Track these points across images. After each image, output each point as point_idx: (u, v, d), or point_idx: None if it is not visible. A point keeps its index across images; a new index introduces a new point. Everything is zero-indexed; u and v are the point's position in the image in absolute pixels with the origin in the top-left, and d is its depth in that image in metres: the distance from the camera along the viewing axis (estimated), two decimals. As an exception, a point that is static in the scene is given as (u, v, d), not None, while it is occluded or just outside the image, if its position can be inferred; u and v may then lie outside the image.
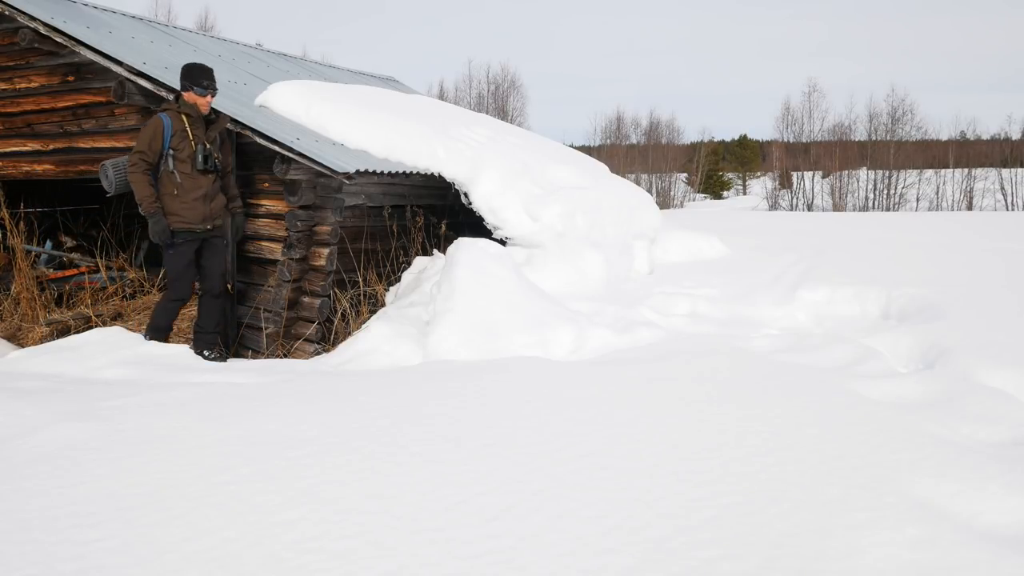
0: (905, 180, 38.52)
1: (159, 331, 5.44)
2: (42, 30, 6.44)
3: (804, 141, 43.59)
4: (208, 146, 5.29)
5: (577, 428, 2.82)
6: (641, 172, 45.94)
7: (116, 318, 7.04)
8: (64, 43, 6.41)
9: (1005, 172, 37.77)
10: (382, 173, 6.16)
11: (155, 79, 6.08)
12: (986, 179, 37.91)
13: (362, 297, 6.20)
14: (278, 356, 5.90)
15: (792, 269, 7.79)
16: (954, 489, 2.32)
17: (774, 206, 40.59)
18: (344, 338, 5.79)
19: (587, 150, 37.47)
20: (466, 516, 2.14)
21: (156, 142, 5.17)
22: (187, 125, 5.23)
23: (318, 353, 5.77)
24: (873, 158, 39.41)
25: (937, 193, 38.40)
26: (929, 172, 39.13)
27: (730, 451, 2.59)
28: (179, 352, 5.17)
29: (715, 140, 65.80)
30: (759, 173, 56.44)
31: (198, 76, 5.25)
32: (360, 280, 6.20)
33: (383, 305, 6.17)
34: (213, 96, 5.35)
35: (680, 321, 5.85)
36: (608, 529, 2.06)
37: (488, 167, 6.75)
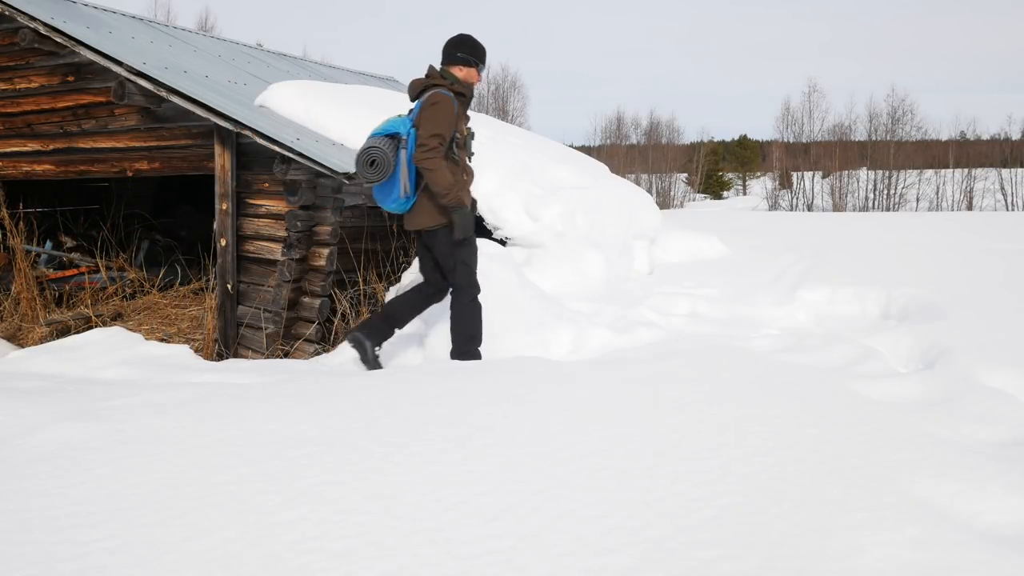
0: (905, 180, 38.54)
1: (476, 339, 4.56)
2: (42, 30, 6.44)
3: (804, 141, 43.64)
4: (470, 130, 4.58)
5: (577, 428, 2.82)
6: (641, 172, 45.96)
7: (116, 318, 7.04)
8: (64, 43, 6.41)
9: (1005, 172, 37.80)
10: (382, 173, 6.16)
11: (155, 79, 6.08)
12: (986, 179, 37.94)
13: (362, 297, 6.20)
14: (278, 356, 5.90)
15: (792, 269, 7.79)
16: (954, 489, 2.32)
17: (774, 206, 40.60)
18: (344, 338, 5.79)
19: (587, 150, 37.45)
20: (466, 516, 2.13)
21: (452, 124, 4.28)
22: (459, 106, 4.39)
23: (318, 353, 5.77)
24: (873, 158, 39.44)
25: (937, 193, 38.43)
26: (929, 172, 39.17)
27: (730, 451, 2.58)
28: (179, 352, 5.17)
29: (715, 140, 65.88)
30: (759, 173, 56.41)
31: (482, 54, 4.46)
32: (360, 280, 6.20)
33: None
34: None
35: (680, 321, 5.85)
36: (608, 529, 2.06)
37: (488, 167, 6.76)
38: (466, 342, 4.52)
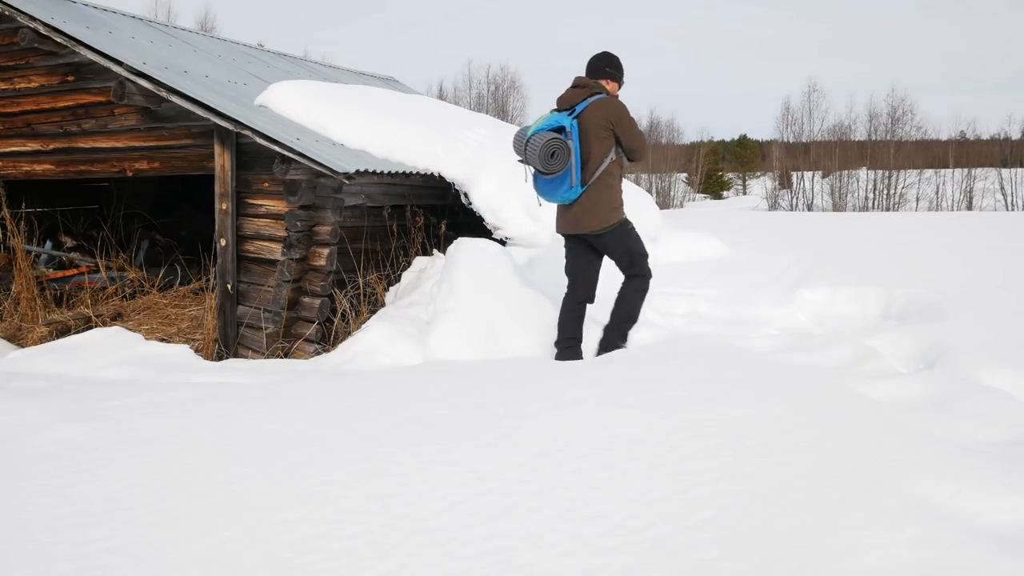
0: (905, 180, 38.48)
1: (634, 320, 4.78)
2: (42, 30, 6.44)
3: (804, 141, 43.57)
4: None
5: (577, 428, 2.82)
6: (641, 172, 45.88)
7: (116, 318, 7.04)
8: (64, 43, 6.41)
9: (1005, 172, 37.74)
10: (382, 173, 6.17)
11: (155, 79, 6.08)
12: (986, 179, 37.88)
13: (362, 297, 6.20)
14: (278, 356, 5.90)
15: (792, 269, 7.79)
16: (954, 489, 2.32)
17: (774, 206, 40.54)
18: (344, 338, 5.79)
19: (587, 150, 37.28)
20: (466, 516, 2.14)
21: None
22: None
23: (318, 353, 5.77)
24: (873, 158, 39.38)
25: (937, 193, 38.38)
26: (929, 172, 39.09)
27: (730, 451, 2.58)
28: (179, 352, 5.17)
29: (715, 140, 65.77)
30: (759, 173, 56.33)
31: (623, 70, 4.83)
32: (360, 280, 6.20)
33: (383, 305, 6.17)
34: None
35: (680, 321, 5.85)
36: (608, 529, 2.06)
37: (488, 167, 6.75)
38: (625, 321, 4.72)
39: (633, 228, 4.77)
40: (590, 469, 2.45)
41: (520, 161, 4.62)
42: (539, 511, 2.16)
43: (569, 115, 4.58)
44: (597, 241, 4.69)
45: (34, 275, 7.34)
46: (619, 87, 4.83)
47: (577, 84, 4.73)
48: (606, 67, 4.78)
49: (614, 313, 4.77)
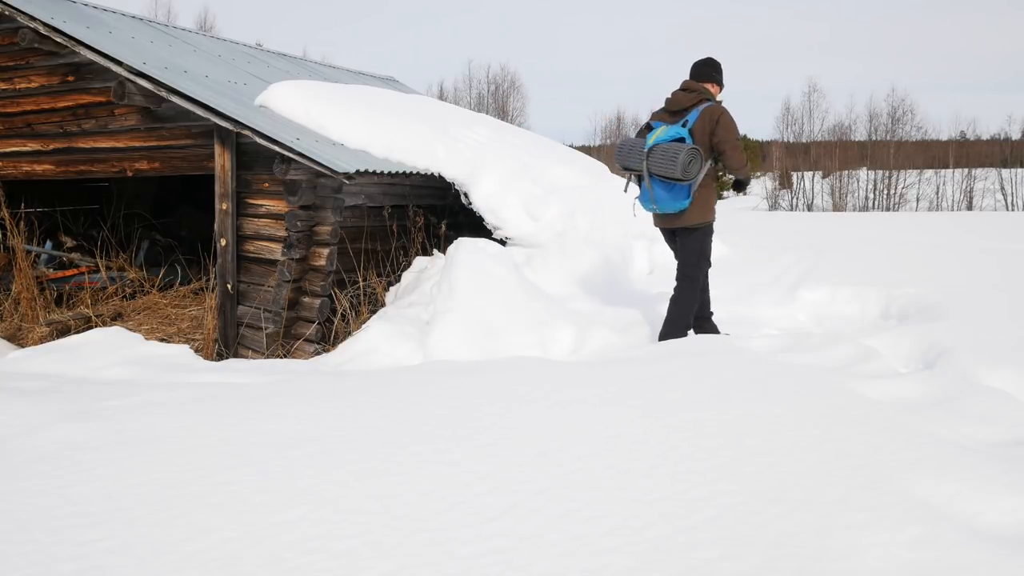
0: (905, 180, 38.47)
1: (689, 324, 5.00)
2: (42, 30, 6.44)
3: (804, 141, 43.55)
4: None
5: (577, 428, 2.82)
6: (641, 172, 45.79)
7: (116, 318, 7.04)
8: (64, 43, 6.41)
9: (1005, 172, 37.73)
10: (382, 173, 6.17)
11: (155, 79, 6.08)
12: (986, 179, 37.87)
13: (362, 297, 6.20)
14: (278, 356, 5.90)
15: (792, 269, 7.78)
16: (954, 489, 2.32)
17: (774, 206, 40.50)
18: (344, 338, 5.79)
19: (587, 150, 37.37)
20: (466, 516, 2.14)
21: None
22: None
23: (318, 353, 5.77)
24: (873, 158, 39.37)
25: (937, 193, 38.37)
26: (929, 172, 39.06)
27: (730, 451, 2.58)
28: (179, 352, 5.17)
29: (715, 140, 65.58)
30: (759, 173, 56.26)
31: (722, 73, 5.06)
32: (360, 280, 6.20)
33: (383, 305, 6.17)
34: None
35: (680, 321, 5.82)
36: (608, 529, 2.06)
37: (488, 167, 6.76)
38: (682, 328, 4.94)
39: (712, 234, 5.03)
40: (590, 469, 2.45)
41: (626, 168, 4.88)
42: (539, 511, 2.16)
43: (683, 127, 4.76)
44: (685, 234, 4.89)
45: (34, 275, 7.34)
46: (720, 89, 5.05)
47: (685, 87, 4.93)
48: (710, 71, 5.01)
49: (676, 320, 4.91)
